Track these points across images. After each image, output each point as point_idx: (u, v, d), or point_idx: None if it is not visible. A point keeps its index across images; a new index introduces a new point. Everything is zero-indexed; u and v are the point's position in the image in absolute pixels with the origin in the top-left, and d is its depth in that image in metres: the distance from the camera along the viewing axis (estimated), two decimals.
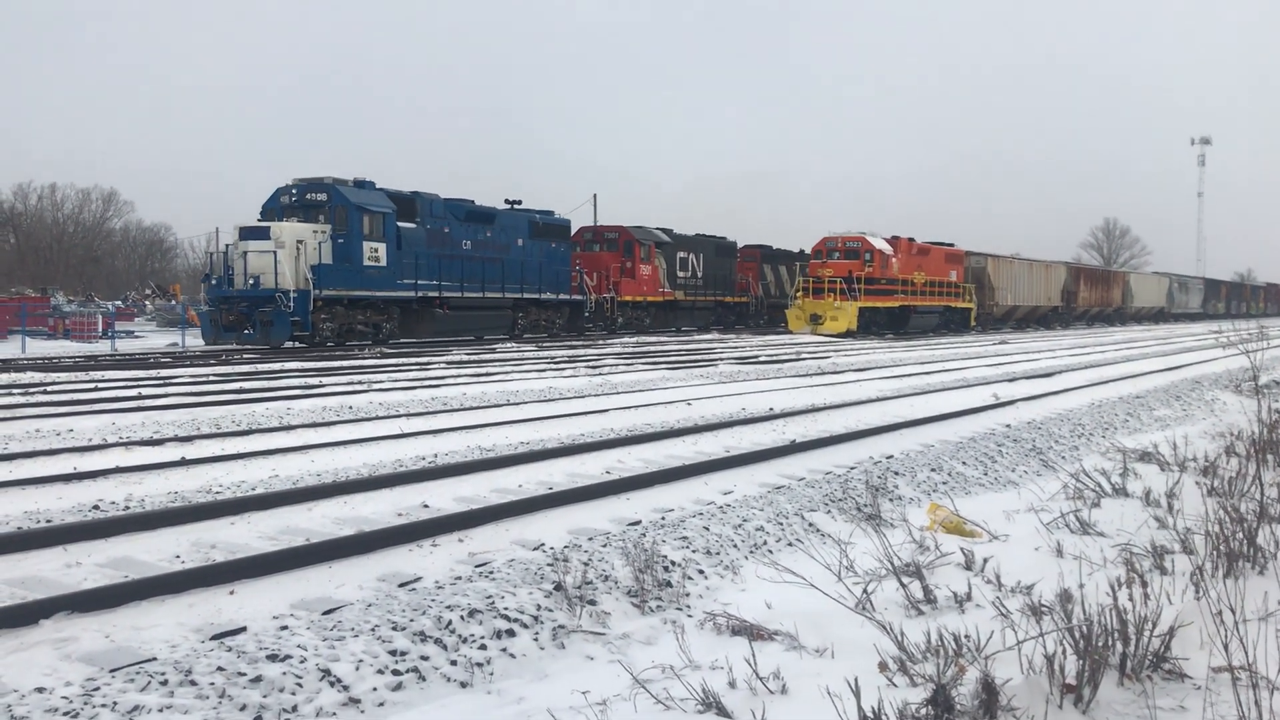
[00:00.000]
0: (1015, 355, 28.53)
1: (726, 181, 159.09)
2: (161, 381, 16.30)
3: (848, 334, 38.76)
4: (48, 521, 6.61)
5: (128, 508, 7.06)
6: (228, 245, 26.57)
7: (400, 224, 27.96)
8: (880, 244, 41.34)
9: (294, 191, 26.85)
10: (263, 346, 25.25)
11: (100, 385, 15.59)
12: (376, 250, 27.01)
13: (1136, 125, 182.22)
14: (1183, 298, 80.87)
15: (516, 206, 34.05)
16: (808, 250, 44.00)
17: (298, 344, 25.80)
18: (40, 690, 3.80)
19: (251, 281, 25.01)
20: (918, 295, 43.29)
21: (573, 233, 38.34)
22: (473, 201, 31.81)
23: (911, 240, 43.71)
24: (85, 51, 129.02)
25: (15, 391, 14.47)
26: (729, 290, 45.75)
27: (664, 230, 41.49)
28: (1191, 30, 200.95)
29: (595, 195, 60.45)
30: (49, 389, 14.99)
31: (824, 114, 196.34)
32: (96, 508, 7.05)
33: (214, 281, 26.29)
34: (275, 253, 24.78)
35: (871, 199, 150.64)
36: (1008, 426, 12.04)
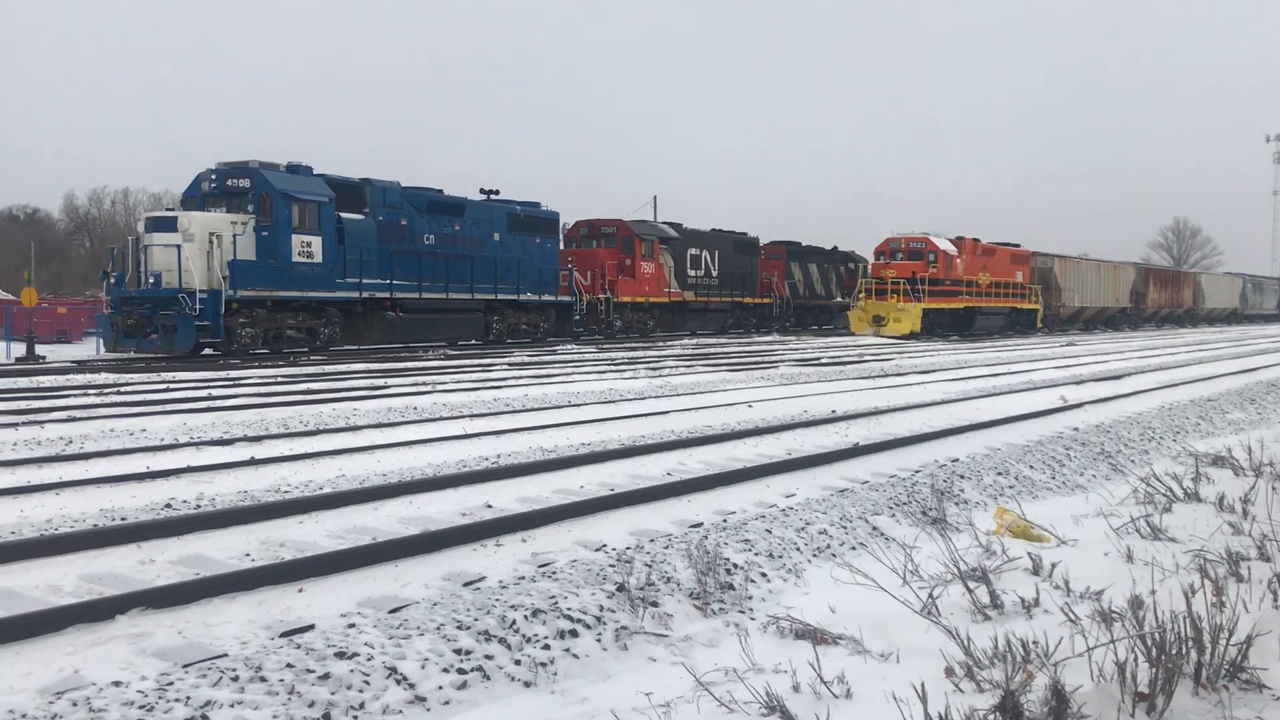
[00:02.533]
0: (1083, 357, 28.05)
1: (801, 189, 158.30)
2: (231, 383, 16.61)
3: (911, 336, 38.35)
4: (122, 519, 6.77)
5: (199, 506, 7.21)
6: (132, 239, 23.13)
7: (343, 215, 24.78)
8: (944, 244, 40.86)
9: (214, 177, 23.43)
10: (164, 355, 22.19)
11: (172, 386, 15.93)
12: (309, 244, 23.64)
13: (1208, 124, 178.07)
14: (1257, 299, 78.91)
15: (494, 197, 30.80)
16: (866, 253, 43.46)
17: (213, 352, 22.57)
18: (117, 684, 3.89)
19: (152, 280, 21.75)
20: (983, 296, 42.72)
21: (569, 228, 35.65)
22: (439, 190, 28.47)
23: (976, 241, 43.15)
24: (155, 55, 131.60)
25: (91, 392, 14.83)
26: (749, 290, 42.42)
27: (672, 225, 38.52)
28: (1265, 26, 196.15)
29: (655, 197, 59.10)
30: (123, 390, 15.35)
31: (887, 119, 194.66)
32: (169, 506, 7.21)
33: (113, 280, 22.90)
34: (180, 247, 21.45)
35: (937, 204, 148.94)
36: (1075, 430, 11.84)
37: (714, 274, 39.95)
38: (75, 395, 14.36)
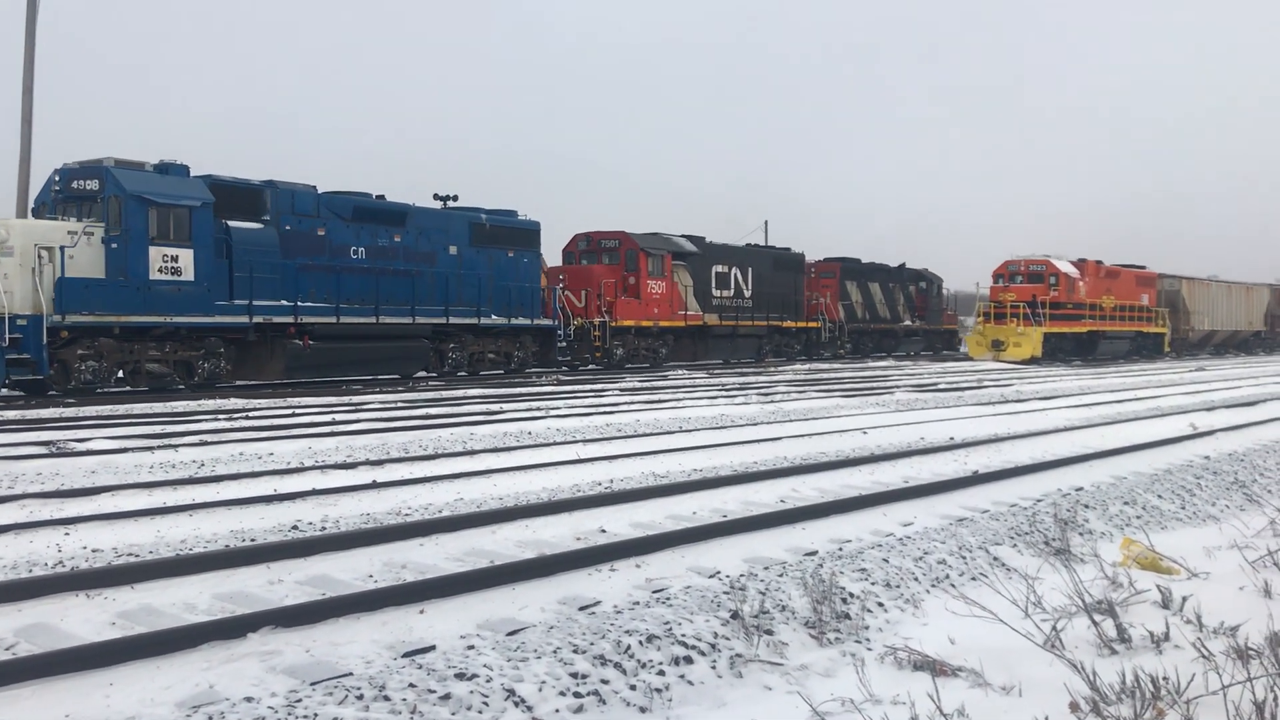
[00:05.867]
0: (1213, 382, 26.99)
1: (898, 203, 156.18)
2: (353, 408, 17.07)
3: (1031, 360, 37.44)
4: (252, 540, 7.02)
5: (324, 528, 7.43)
6: None
7: (232, 223, 20.74)
8: (1066, 267, 39.86)
9: (58, 180, 19.61)
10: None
11: (297, 411, 16.45)
12: (175, 259, 19.54)
13: None
14: None
15: (452, 204, 26.50)
16: (984, 279, 42.26)
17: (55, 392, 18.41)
18: (249, 700, 4.04)
19: None
20: (1106, 320, 41.51)
21: (568, 243, 32.24)
22: (372, 196, 24.26)
23: (1099, 263, 41.97)
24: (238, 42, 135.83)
25: (220, 417, 15.42)
26: (792, 313, 37.43)
27: (692, 238, 33.84)
28: None
29: (766, 221, 58.39)
30: (250, 414, 15.91)
31: (1011, 142, 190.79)
32: (295, 528, 7.45)
33: None
34: None
35: (1060, 229, 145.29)
36: (1206, 458, 11.40)
37: (746, 294, 35.34)
38: (206, 420, 14.93)
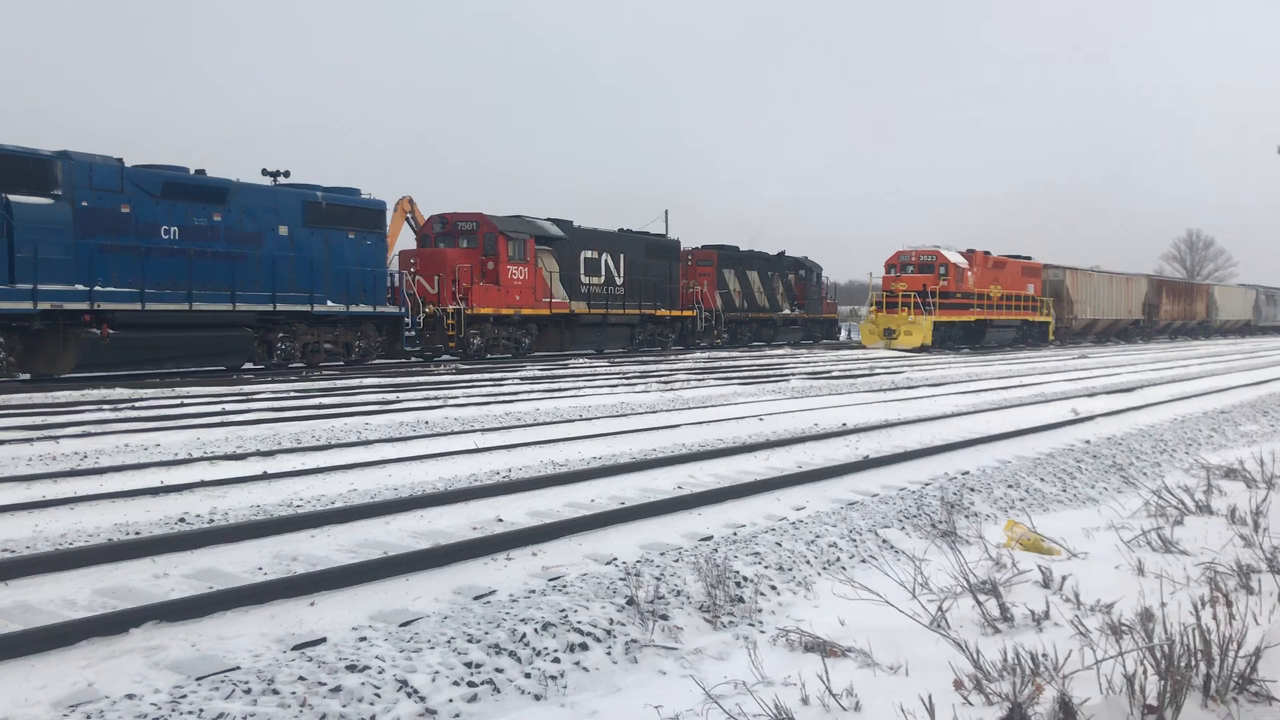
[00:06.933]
0: (1095, 370, 27.98)
1: (807, 205, 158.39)
2: (244, 398, 16.68)
3: (922, 349, 38.35)
4: (136, 534, 6.81)
5: (212, 521, 7.25)
6: None
7: (14, 197, 18.49)
8: (955, 257, 40.86)
9: None
10: None
11: (186, 401, 16.01)
12: None
13: (1221, 133, 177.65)
14: (1270, 310, 78.61)
15: (284, 181, 24.48)
16: (877, 269, 43.10)
17: None
18: (130, 697, 3.92)
19: None
20: (994, 309, 42.69)
21: (422, 224, 30.25)
22: (189, 170, 22.08)
23: (987, 254, 43.14)
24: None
25: (105, 408, 14.92)
26: (667, 301, 36.37)
27: (558, 222, 32.01)
28: (1276, 38, 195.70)
29: (666, 211, 58.44)
30: (136, 405, 15.43)
31: (903, 139, 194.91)
32: (183, 520, 7.25)
33: None
34: None
35: (949, 221, 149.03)
36: (1087, 442, 11.82)
37: (618, 282, 33.87)
38: (90, 411, 14.44)
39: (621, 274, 34.05)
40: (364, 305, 24.94)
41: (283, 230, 23.31)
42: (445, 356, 28.38)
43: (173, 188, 21.22)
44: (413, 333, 26.81)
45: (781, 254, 45.07)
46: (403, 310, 26.17)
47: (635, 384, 20.29)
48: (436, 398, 16.77)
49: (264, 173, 24.21)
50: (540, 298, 30.45)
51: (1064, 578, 5.55)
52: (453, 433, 12.24)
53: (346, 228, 24.74)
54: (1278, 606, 4.79)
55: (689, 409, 15.58)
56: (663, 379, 21.78)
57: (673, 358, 31.64)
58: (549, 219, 31.77)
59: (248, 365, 23.12)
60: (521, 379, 21.60)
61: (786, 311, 44.33)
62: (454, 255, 28.46)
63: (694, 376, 22.76)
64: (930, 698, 3.60)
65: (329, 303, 24.13)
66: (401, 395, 17.23)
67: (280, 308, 23.02)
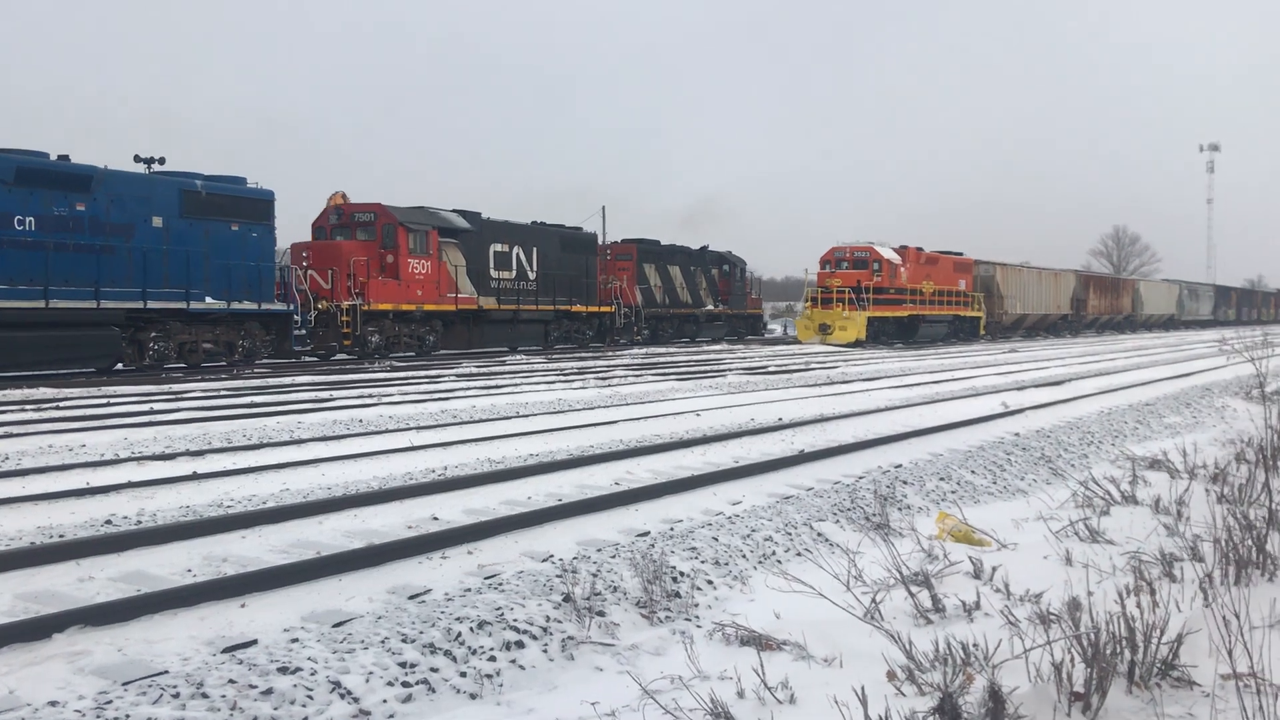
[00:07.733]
0: (1024, 363, 28.48)
1: (729, 194, 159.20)
2: (173, 396, 16.37)
3: (857, 344, 38.74)
4: (60, 536, 6.65)
5: (140, 522, 7.10)
6: None
7: None
8: (889, 253, 41.35)
9: None
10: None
11: (113, 401, 15.66)
12: None
13: (1146, 132, 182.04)
14: (1193, 305, 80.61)
15: (158, 168, 22.51)
16: (812, 265, 43.38)
17: None
18: (53, 704, 3.83)
19: None
20: (926, 304, 43.28)
21: (317, 216, 28.32)
22: (49, 156, 20.08)
23: (920, 250, 43.70)
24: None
25: (28, 408, 14.55)
26: (584, 297, 34.63)
27: (465, 214, 30.32)
28: (1200, 36, 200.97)
29: (604, 207, 58.42)
30: (61, 404, 15.07)
31: (831, 125, 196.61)
32: (109, 522, 7.09)
33: None
34: None
35: (880, 210, 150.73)
36: (1017, 435, 12.03)
37: (530, 276, 32.18)
38: (12, 411, 14.08)
39: (534, 268, 32.41)
40: (248, 302, 23.07)
41: (157, 221, 21.42)
42: (340, 355, 26.78)
43: (28, 174, 19.34)
44: (303, 331, 24.98)
45: (704, 249, 43.80)
46: (291, 307, 24.22)
47: (573, 380, 20.26)
48: (371, 395, 16.59)
49: (136, 159, 22.35)
50: (445, 293, 28.76)
51: (994, 568, 5.65)
52: (388, 431, 12.12)
53: (230, 219, 22.82)
54: (1198, 594, 4.92)
55: (626, 405, 15.59)
56: (600, 375, 21.77)
57: (610, 354, 31.62)
58: (455, 210, 30.26)
59: (119, 366, 21.37)
60: (458, 376, 21.46)
61: (710, 307, 43.31)
62: (350, 248, 26.79)
63: (631, 372, 22.78)
64: (864, 689, 3.64)
65: (208, 299, 22.25)
66: (335, 393, 17.03)
67: (152, 305, 21.10)
